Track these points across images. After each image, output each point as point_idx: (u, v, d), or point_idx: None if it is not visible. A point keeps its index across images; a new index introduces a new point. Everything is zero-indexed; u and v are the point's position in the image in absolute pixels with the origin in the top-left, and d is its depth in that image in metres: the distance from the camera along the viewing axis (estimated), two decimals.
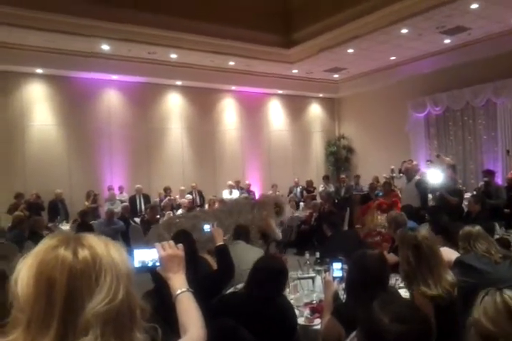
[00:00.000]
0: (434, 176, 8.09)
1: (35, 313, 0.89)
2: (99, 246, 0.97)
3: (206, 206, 10.36)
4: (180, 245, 1.57)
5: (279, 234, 6.94)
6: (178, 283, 1.47)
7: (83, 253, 0.94)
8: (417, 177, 8.14)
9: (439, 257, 2.56)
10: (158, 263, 1.52)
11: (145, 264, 1.52)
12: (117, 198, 10.37)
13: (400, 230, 2.93)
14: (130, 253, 1.52)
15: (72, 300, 0.90)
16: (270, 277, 2.56)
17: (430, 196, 8.64)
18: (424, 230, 2.71)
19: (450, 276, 2.50)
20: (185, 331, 1.36)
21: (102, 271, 0.93)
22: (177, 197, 10.70)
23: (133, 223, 8.68)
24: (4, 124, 10.07)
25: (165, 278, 1.50)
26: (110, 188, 10.69)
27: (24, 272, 0.92)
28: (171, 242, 1.56)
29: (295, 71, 12.54)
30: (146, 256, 1.53)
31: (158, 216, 8.60)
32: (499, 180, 9.82)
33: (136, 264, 1.51)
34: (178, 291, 1.45)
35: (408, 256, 2.53)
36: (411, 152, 12.43)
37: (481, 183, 9.01)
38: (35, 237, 5.87)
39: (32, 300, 0.90)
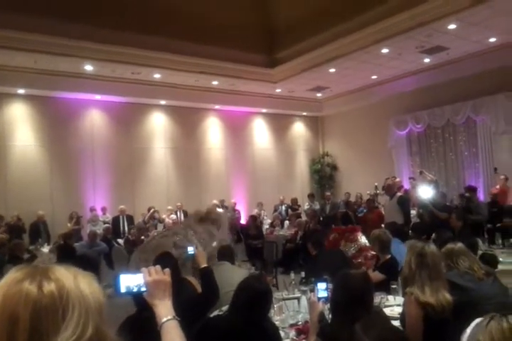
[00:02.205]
0: (424, 192, 8.16)
1: None
2: (67, 278, 0.92)
3: None
4: (167, 270, 1.52)
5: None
6: (164, 311, 1.42)
7: (49, 287, 0.89)
8: (399, 193, 8.19)
9: (441, 273, 2.62)
10: (143, 289, 1.47)
11: (130, 290, 1.47)
12: (100, 219, 10.25)
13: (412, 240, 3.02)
14: (116, 277, 1.48)
15: (36, 338, 0.85)
16: (253, 299, 2.52)
17: (413, 212, 8.71)
18: (434, 246, 2.76)
19: (449, 295, 2.51)
20: None
21: (70, 305, 0.88)
22: (163, 216, 10.60)
23: (116, 244, 8.55)
24: None
25: (150, 304, 1.45)
26: (92, 209, 10.56)
27: None
28: (158, 267, 1.51)
29: (278, 90, 12.68)
30: (132, 281, 1.48)
31: (143, 237, 8.50)
32: (481, 195, 9.96)
33: (122, 289, 1.46)
34: (164, 319, 1.40)
35: (411, 261, 2.61)
36: (394, 169, 12.57)
37: (455, 198, 9.16)
38: (16, 261, 5.72)
39: None
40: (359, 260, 5.00)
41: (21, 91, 10.30)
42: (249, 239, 9.13)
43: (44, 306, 0.87)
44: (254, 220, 10.08)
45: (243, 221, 11.24)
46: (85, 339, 0.87)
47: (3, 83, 9.68)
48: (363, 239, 5.90)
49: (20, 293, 0.87)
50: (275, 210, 12.29)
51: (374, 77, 11.98)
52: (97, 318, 0.91)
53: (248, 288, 2.59)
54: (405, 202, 7.80)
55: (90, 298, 0.92)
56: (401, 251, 4.29)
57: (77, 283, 0.93)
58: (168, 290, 1.48)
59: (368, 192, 11.03)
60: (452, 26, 8.54)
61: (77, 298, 0.90)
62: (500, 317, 1.33)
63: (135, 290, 1.48)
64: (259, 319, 2.57)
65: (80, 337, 0.87)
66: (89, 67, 9.85)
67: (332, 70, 11.01)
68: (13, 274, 0.92)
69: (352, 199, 11.93)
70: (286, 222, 10.85)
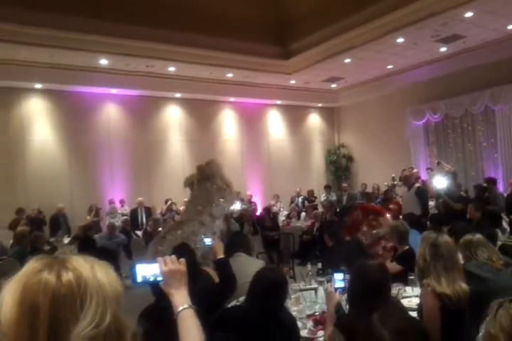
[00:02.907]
0: (439, 182, 8.08)
1: (19, 339, 0.87)
2: (84, 268, 0.94)
3: None
4: (182, 260, 1.54)
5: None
6: (180, 300, 1.44)
7: (67, 276, 0.91)
8: (417, 184, 8.12)
9: (456, 263, 2.60)
10: (160, 278, 1.50)
11: (147, 279, 1.50)
12: (119, 211, 10.38)
13: (425, 232, 3.00)
14: (132, 267, 1.52)
15: (56, 326, 0.87)
16: (269, 290, 2.54)
17: (432, 203, 8.62)
18: (447, 236, 2.74)
19: (465, 285, 2.50)
20: None
21: (87, 294, 0.90)
22: (181, 208, 10.68)
23: (135, 236, 8.66)
24: (5, 139, 10.11)
25: (167, 293, 1.48)
26: (111, 202, 10.70)
27: (8, 297, 0.89)
28: (173, 257, 1.54)
29: (293, 82, 12.61)
30: (148, 270, 1.51)
31: (161, 228, 8.59)
32: (500, 186, 9.81)
33: (139, 279, 1.50)
34: (180, 308, 1.42)
35: (425, 253, 2.59)
36: (411, 160, 12.44)
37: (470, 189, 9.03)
38: (37, 253, 5.84)
39: (15, 325, 0.87)
40: (376, 250, 4.93)
41: (38, 86, 10.43)
42: (265, 230, 9.16)
43: (63, 295, 0.89)
44: (268, 212, 10.11)
45: (258, 213, 11.28)
46: (103, 327, 0.89)
47: (21, 78, 9.81)
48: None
49: (39, 282, 0.90)
50: (292, 202, 12.30)
51: (389, 66, 11.82)
52: (115, 307, 0.93)
53: (264, 279, 2.62)
54: (423, 193, 7.74)
55: (108, 287, 0.94)
56: (418, 242, 4.26)
57: (94, 272, 0.95)
58: (184, 280, 1.50)
59: (386, 183, 10.95)
60: (469, 14, 8.37)
61: (95, 287, 0.92)
62: (509, 304, 1.31)
63: (151, 279, 1.50)
64: (276, 309, 2.59)
65: (98, 325, 0.89)
66: (104, 61, 9.92)
67: (347, 61, 10.90)
68: (31, 265, 0.94)
69: (368, 190, 11.86)
70: (303, 214, 10.87)
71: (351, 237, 5.20)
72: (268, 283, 2.57)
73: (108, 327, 0.90)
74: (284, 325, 2.57)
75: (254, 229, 8.96)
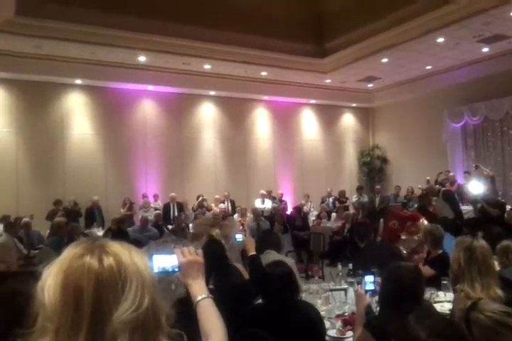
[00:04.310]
0: (475, 187, 7.90)
1: (63, 322, 0.89)
2: (123, 253, 0.97)
3: (235, 215, 10.44)
4: (200, 251, 1.57)
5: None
6: (199, 290, 1.47)
7: (108, 261, 0.94)
8: (443, 189, 7.97)
9: (491, 268, 2.52)
10: (177, 269, 1.51)
11: (164, 270, 1.51)
12: (152, 206, 10.55)
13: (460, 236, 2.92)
14: (149, 258, 1.53)
15: (99, 309, 0.90)
16: (281, 284, 2.57)
17: (467, 208, 8.41)
18: (483, 241, 2.67)
19: (501, 291, 2.43)
20: (207, 337, 1.35)
21: (128, 278, 0.93)
22: (212, 205, 10.80)
23: (166, 230, 8.80)
24: (45, 133, 10.45)
25: (185, 284, 1.50)
26: (144, 196, 10.90)
27: (50, 280, 0.92)
28: (191, 248, 1.56)
29: (328, 81, 12.50)
30: (165, 261, 1.52)
31: (184, 224, 8.73)
32: None
33: (155, 270, 1.49)
34: (199, 298, 1.44)
35: (459, 257, 2.51)
36: (448, 163, 12.14)
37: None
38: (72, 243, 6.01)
39: (60, 308, 0.89)
40: (420, 254, 4.76)
41: (78, 81, 10.73)
42: (294, 229, 9.14)
43: (105, 279, 0.92)
44: (299, 211, 10.07)
45: (289, 212, 11.26)
46: (143, 309, 0.92)
47: (62, 74, 10.11)
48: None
49: (82, 266, 0.92)
50: (322, 202, 12.22)
51: (428, 67, 11.56)
52: (152, 291, 0.96)
53: (272, 275, 2.66)
54: (449, 197, 7.60)
55: (145, 272, 0.97)
56: (452, 246, 4.16)
57: (132, 257, 0.98)
58: (202, 270, 1.52)
59: (420, 186, 10.73)
60: None
61: (134, 272, 0.95)
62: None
63: (170, 270, 1.51)
64: (293, 300, 2.62)
65: (138, 308, 0.92)
66: (142, 58, 10.10)
67: (384, 60, 10.72)
68: (72, 250, 0.97)
69: (402, 193, 11.66)
70: (333, 214, 10.78)
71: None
72: (277, 277, 2.61)
73: (147, 310, 0.93)
74: (308, 319, 2.57)
75: (285, 228, 8.95)
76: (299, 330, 2.47)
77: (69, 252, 0.97)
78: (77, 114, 10.98)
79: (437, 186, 9.59)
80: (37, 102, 10.38)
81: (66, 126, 10.80)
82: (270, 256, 4.14)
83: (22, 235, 7.76)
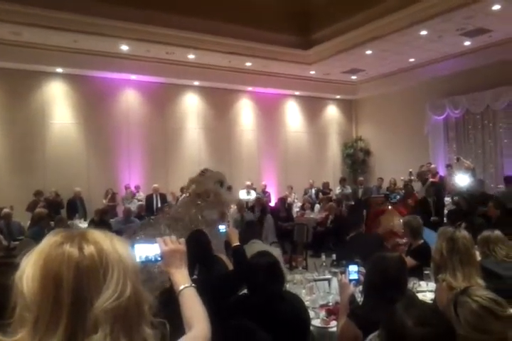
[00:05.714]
0: (460, 180, 8.00)
1: (43, 311, 0.87)
2: (104, 241, 0.95)
3: None
4: (182, 239, 1.56)
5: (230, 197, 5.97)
6: (181, 279, 1.46)
7: (89, 249, 0.92)
8: (431, 180, 8.06)
9: (473, 258, 2.57)
10: (160, 258, 1.51)
11: (147, 259, 1.51)
12: (135, 198, 10.46)
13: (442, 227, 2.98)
14: (131, 247, 1.52)
15: (79, 298, 0.88)
16: (267, 274, 2.59)
17: (447, 199, 8.54)
18: (465, 231, 2.71)
19: (481, 281, 2.47)
20: (190, 326, 1.34)
21: (109, 266, 0.92)
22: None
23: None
24: (25, 122, 10.25)
25: (167, 273, 1.49)
26: (127, 187, 10.81)
27: (29, 269, 0.89)
28: (173, 237, 1.55)
29: (312, 72, 12.50)
30: (147, 250, 1.51)
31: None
32: None
33: (137, 259, 1.47)
34: (182, 287, 1.44)
35: (442, 247, 2.56)
36: (429, 155, 12.29)
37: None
38: None
39: (39, 297, 0.87)
40: (391, 243, 4.93)
41: (59, 70, 10.52)
42: (279, 221, 9.17)
43: (86, 267, 0.90)
44: (283, 202, 10.10)
45: (272, 203, 11.29)
46: (125, 298, 0.91)
47: (43, 62, 9.90)
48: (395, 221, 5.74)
49: (62, 255, 0.90)
50: (305, 193, 12.28)
51: (411, 60, 11.64)
52: (134, 279, 0.95)
53: (259, 265, 2.68)
54: (437, 190, 7.69)
55: (127, 260, 0.96)
56: (431, 236, 4.22)
57: (113, 245, 0.96)
58: (184, 259, 1.51)
59: (402, 178, 10.85)
60: (496, 7, 8.16)
61: (116, 260, 0.93)
62: (464, 298, 1.34)
63: (153, 259, 1.51)
64: (279, 290, 2.63)
65: (120, 296, 0.90)
66: (124, 47, 9.94)
67: (368, 52, 10.75)
68: (51, 238, 0.95)
69: (385, 184, 11.78)
70: (317, 206, 10.84)
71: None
72: (263, 268, 2.63)
73: (129, 298, 0.91)
74: (292, 308, 2.59)
75: (261, 215, 8.81)
76: (284, 320, 2.48)
77: (48, 240, 0.94)
78: (59, 103, 10.78)
79: (417, 179, 9.67)
80: (16, 91, 10.15)
81: (47, 115, 10.60)
82: (256, 246, 4.15)
83: (2, 226, 7.64)
